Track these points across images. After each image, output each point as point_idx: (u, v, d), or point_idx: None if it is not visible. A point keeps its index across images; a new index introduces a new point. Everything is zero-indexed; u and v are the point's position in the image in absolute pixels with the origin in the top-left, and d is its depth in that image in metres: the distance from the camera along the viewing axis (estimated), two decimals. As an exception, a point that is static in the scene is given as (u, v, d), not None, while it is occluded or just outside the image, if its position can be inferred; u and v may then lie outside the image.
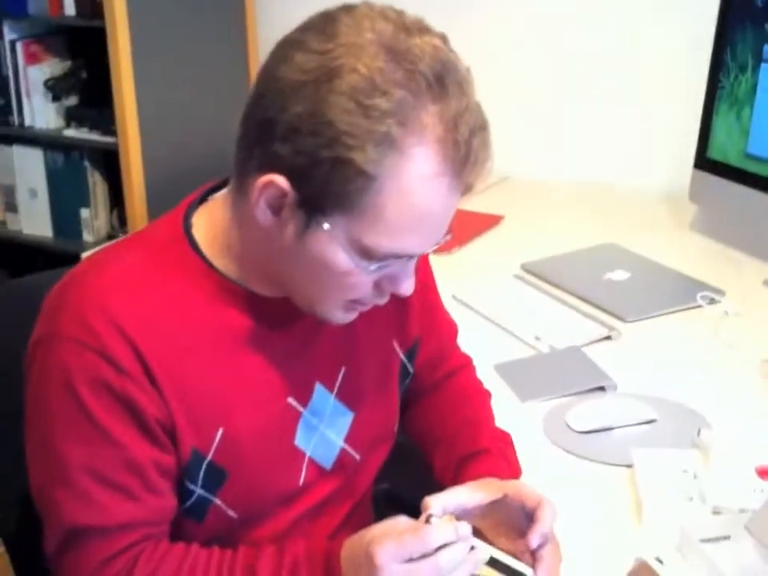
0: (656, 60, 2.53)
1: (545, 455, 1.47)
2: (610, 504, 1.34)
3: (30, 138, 2.99)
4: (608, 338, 1.79)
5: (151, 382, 1.09)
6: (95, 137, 2.88)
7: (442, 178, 1.03)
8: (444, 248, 1.93)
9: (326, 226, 1.04)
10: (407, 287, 1.13)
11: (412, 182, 1.01)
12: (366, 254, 1.06)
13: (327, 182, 1.00)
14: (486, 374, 1.67)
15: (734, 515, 1.24)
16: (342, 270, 1.07)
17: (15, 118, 2.96)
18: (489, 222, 2.34)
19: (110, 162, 2.90)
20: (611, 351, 1.75)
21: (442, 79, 1.01)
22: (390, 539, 1.05)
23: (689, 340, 1.80)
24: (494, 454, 1.32)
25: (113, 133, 2.77)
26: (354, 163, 0.99)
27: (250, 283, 1.16)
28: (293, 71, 1.01)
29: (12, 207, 3.11)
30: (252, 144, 1.06)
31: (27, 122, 2.95)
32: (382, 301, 1.16)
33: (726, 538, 1.18)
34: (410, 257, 1.09)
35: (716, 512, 1.26)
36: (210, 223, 1.16)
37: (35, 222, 3.08)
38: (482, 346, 1.79)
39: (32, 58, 2.92)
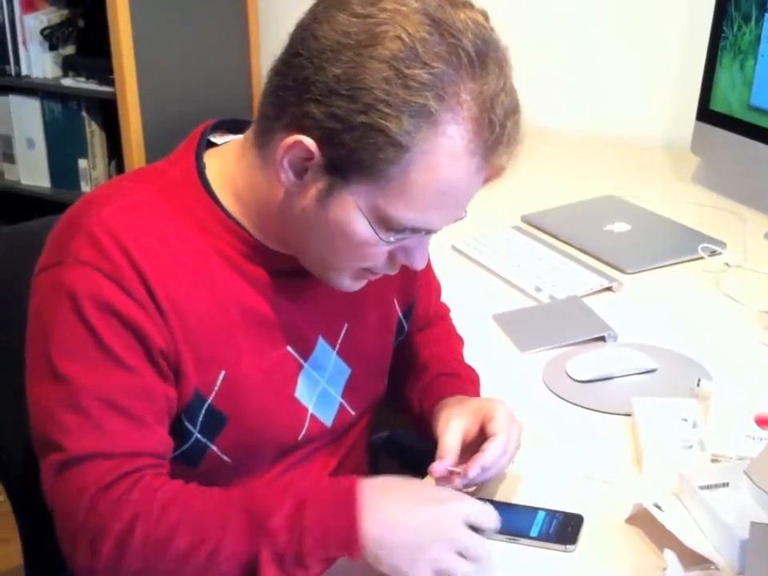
0: (659, 10, 2.50)
1: (545, 405, 1.47)
2: (609, 452, 1.34)
3: (27, 88, 2.96)
4: (609, 289, 1.78)
5: (160, 313, 1.08)
6: (93, 86, 2.85)
7: (472, 157, 1.02)
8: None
9: (349, 192, 1.03)
10: (420, 262, 1.13)
11: (442, 158, 1.01)
12: (385, 224, 1.05)
13: (357, 148, 1.00)
14: (485, 325, 1.68)
15: (732, 463, 1.24)
16: (360, 239, 1.07)
17: (12, 68, 2.93)
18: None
19: (107, 112, 2.88)
20: (612, 302, 1.75)
21: (484, 57, 1.01)
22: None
23: (690, 291, 1.79)
24: (462, 378, 1.33)
25: (110, 82, 2.75)
26: (387, 132, 0.98)
27: (262, 236, 1.15)
28: (334, 32, 1.00)
29: (9, 158, 3.09)
30: (283, 102, 1.04)
31: (24, 71, 2.92)
32: (393, 272, 1.15)
33: (725, 485, 1.19)
34: (428, 231, 1.09)
35: (715, 460, 1.27)
36: (223, 169, 1.15)
37: (33, 172, 3.06)
38: (482, 296, 1.79)
39: (28, 6, 2.88)
